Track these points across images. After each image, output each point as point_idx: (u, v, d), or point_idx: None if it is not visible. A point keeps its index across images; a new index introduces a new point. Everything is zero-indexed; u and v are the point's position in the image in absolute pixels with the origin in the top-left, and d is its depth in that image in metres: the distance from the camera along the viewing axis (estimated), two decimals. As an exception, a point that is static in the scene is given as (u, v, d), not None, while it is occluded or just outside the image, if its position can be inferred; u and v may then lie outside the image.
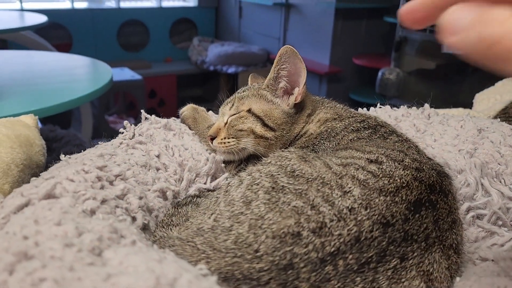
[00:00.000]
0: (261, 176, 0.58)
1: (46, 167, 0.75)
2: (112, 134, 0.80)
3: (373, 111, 0.97)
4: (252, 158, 0.79)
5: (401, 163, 0.57)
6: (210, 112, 0.95)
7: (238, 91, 0.85)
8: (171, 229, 0.60)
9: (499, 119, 0.91)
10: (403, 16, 0.42)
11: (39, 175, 0.57)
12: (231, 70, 3.94)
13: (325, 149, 0.72)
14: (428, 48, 2.97)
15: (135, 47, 4.44)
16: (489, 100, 1.41)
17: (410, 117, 0.93)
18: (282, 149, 0.66)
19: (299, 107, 0.79)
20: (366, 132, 0.73)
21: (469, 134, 0.82)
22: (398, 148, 0.66)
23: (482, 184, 0.69)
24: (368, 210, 0.50)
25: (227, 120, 0.79)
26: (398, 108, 0.98)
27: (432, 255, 0.51)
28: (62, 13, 3.98)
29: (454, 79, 2.97)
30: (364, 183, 0.53)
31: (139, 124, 0.83)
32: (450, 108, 1.16)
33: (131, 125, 0.81)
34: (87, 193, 0.51)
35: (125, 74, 3.42)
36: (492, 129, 0.82)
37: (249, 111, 0.78)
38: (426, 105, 0.96)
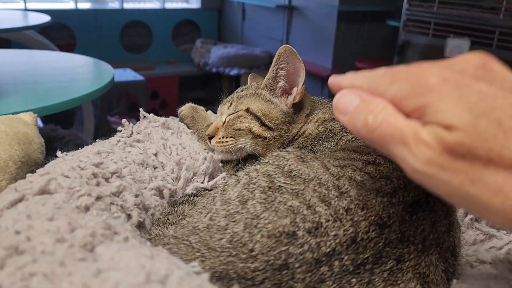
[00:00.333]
0: (258, 175, 0.58)
1: (45, 165, 0.75)
2: (113, 135, 0.80)
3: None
4: (250, 158, 0.79)
5: None
6: (209, 111, 0.94)
7: (237, 90, 0.84)
8: (167, 227, 0.59)
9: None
10: (330, 84, 0.49)
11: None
12: (234, 72, 3.94)
13: (323, 149, 0.71)
14: (431, 52, 2.96)
15: (138, 48, 4.45)
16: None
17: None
18: (280, 149, 0.65)
19: (297, 107, 0.79)
20: (365, 132, 0.72)
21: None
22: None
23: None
24: (365, 211, 0.49)
25: (225, 119, 0.79)
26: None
27: (429, 257, 0.51)
28: (65, 13, 4.00)
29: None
30: (361, 184, 0.52)
31: (137, 122, 0.83)
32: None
33: (129, 123, 0.81)
34: (82, 189, 0.50)
35: (128, 75, 3.43)
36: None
37: (247, 110, 0.78)
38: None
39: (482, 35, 2.54)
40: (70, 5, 4.16)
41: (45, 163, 0.61)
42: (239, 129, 0.77)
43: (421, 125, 0.37)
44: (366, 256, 0.47)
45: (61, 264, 0.33)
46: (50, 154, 0.91)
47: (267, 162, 0.61)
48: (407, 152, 0.37)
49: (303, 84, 0.77)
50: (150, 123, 0.82)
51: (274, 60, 0.76)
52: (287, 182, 0.54)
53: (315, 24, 3.63)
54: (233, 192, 0.56)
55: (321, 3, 3.49)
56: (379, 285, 0.47)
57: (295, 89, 0.77)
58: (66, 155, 0.64)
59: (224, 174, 0.77)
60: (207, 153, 0.78)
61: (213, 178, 0.76)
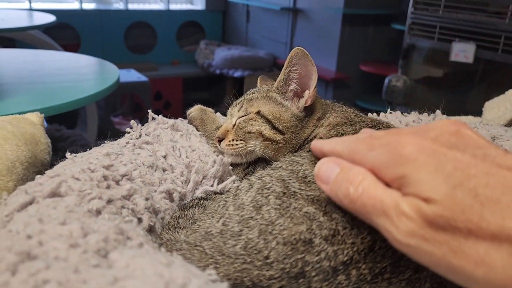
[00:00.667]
0: (271, 180, 0.56)
1: (51, 165, 0.74)
2: (117, 135, 0.79)
3: (383, 117, 0.95)
4: (260, 161, 0.78)
5: None
6: (218, 113, 0.93)
7: (247, 92, 0.83)
8: (177, 231, 0.58)
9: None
10: (313, 148, 0.52)
11: (43, 173, 0.55)
12: (237, 74, 3.93)
13: (335, 154, 0.70)
14: (436, 56, 2.96)
15: (142, 49, 4.45)
16: (499, 108, 1.38)
17: (421, 124, 0.91)
18: (294, 153, 0.64)
19: (309, 111, 0.78)
20: (378, 137, 0.71)
21: (482, 142, 0.80)
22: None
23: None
24: None
25: (236, 122, 0.78)
26: (409, 114, 0.96)
27: None
28: (70, 13, 4.00)
29: (461, 88, 2.95)
30: None
31: (146, 124, 0.82)
32: (460, 116, 1.14)
33: (138, 125, 0.80)
34: (92, 192, 0.49)
35: (132, 75, 3.43)
36: (506, 137, 0.80)
37: (258, 113, 0.77)
38: (438, 112, 0.94)
39: (488, 39, 2.53)
40: (75, 5, 4.17)
41: (51, 164, 0.60)
42: (249, 132, 0.75)
43: (401, 196, 0.38)
44: (384, 265, 0.46)
45: (75, 271, 0.32)
46: (55, 154, 0.90)
47: (280, 167, 0.60)
48: (389, 224, 0.38)
49: (315, 87, 0.76)
50: (158, 125, 0.80)
51: (286, 62, 0.75)
52: (302, 187, 0.53)
53: (320, 27, 3.62)
54: (247, 197, 0.55)
55: (326, 6, 3.49)
56: (397, 294, 0.45)
57: (306, 92, 0.76)
58: (75, 156, 0.63)
59: (233, 177, 0.76)
60: (217, 156, 0.77)
61: (223, 181, 0.75)
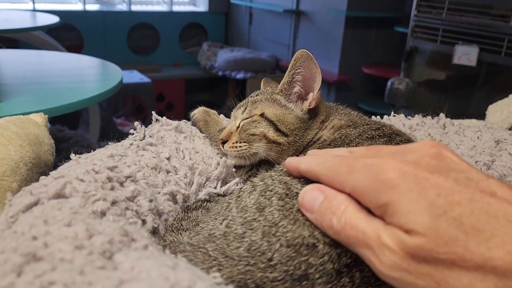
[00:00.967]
0: (274, 182, 0.56)
1: (54, 166, 0.74)
2: (119, 136, 0.79)
3: (387, 119, 0.95)
4: (264, 164, 0.78)
5: None
6: (222, 115, 0.93)
7: (251, 95, 0.83)
8: (181, 233, 0.58)
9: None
10: (287, 166, 0.52)
11: (47, 174, 0.55)
12: (240, 75, 3.94)
13: (338, 156, 0.70)
14: (438, 59, 2.95)
15: (145, 50, 4.46)
16: (502, 112, 1.38)
17: (425, 127, 0.91)
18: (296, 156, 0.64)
19: (312, 113, 0.78)
20: (381, 140, 0.71)
21: (486, 146, 0.80)
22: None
23: (500, 197, 0.67)
24: None
25: (239, 124, 0.78)
26: (412, 117, 0.96)
27: None
28: (73, 14, 4.02)
29: (464, 90, 2.94)
30: None
31: (149, 125, 0.82)
32: (464, 119, 1.14)
33: (141, 126, 0.80)
34: (97, 193, 0.49)
35: (134, 77, 3.43)
36: (511, 140, 0.80)
37: (262, 115, 0.77)
38: (442, 115, 0.94)
39: (491, 42, 2.53)
40: (78, 6, 4.18)
41: (55, 164, 0.60)
42: (253, 134, 0.75)
43: (383, 226, 0.37)
44: (388, 268, 0.46)
45: (81, 273, 0.32)
46: (57, 154, 0.90)
47: (282, 170, 0.59)
48: (373, 256, 0.38)
49: (319, 89, 0.76)
50: (162, 127, 0.80)
51: (290, 65, 0.75)
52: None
53: (323, 29, 3.63)
54: (250, 199, 0.55)
55: (329, 8, 3.49)
56: (401, 297, 0.45)
57: (310, 94, 0.76)
58: (79, 157, 0.63)
59: (237, 179, 0.76)
60: (220, 158, 0.77)
61: (226, 183, 0.75)
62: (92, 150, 0.69)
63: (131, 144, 0.72)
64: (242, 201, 0.56)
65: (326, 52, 3.61)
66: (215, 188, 0.73)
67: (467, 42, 2.64)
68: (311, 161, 0.48)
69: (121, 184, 0.57)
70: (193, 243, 0.52)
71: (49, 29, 2.97)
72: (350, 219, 0.40)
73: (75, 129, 2.62)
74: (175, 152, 0.74)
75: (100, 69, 2.01)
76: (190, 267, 0.38)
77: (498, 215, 0.34)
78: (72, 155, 0.63)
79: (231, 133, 0.78)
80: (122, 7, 4.41)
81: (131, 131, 0.79)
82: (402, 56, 3.06)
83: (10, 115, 0.88)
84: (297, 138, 0.76)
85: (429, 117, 0.95)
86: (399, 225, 0.36)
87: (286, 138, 0.75)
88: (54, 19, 2.68)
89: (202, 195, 0.71)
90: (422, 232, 0.34)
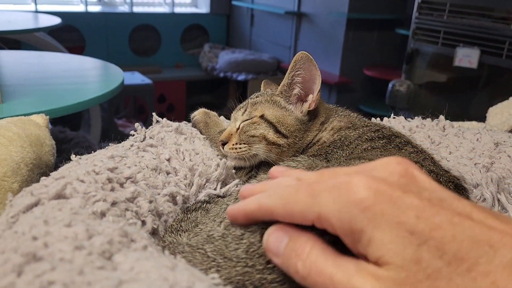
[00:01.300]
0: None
1: (55, 167, 0.74)
2: (120, 137, 0.79)
3: (386, 121, 0.96)
4: (263, 165, 0.78)
5: None
6: (222, 117, 0.94)
7: (251, 96, 0.84)
8: (180, 234, 0.58)
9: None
10: (230, 216, 0.47)
11: (48, 175, 0.56)
12: (241, 77, 3.95)
13: (338, 158, 0.71)
14: (440, 61, 2.95)
15: (146, 52, 4.47)
16: (502, 114, 1.38)
17: (424, 129, 0.92)
18: (292, 158, 0.64)
19: (312, 115, 0.78)
20: (381, 142, 0.71)
21: (485, 148, 0.80)
22: (414, 159, 0.64)
23: (498, 200, 0.67)
24: None
25: (239, 126, 0.78)
26: (412, 119, 0.96)
27: None
28: (75, 16, 4.03)
29: (465, 93, 2.94)
30: None
31: (150, 127, 0.82)
32: (464, 121, 1.14)
33: (142, 127, 0.80)
34: (97, 194, 0.50)
35: (136, 78, 3.44)
36: (510, 143, 0.80)
37: (262, 117, 0.77)
38: (441, 117, 0.94)
39: (492, 44, 2.53)
40: (80, 8, 4.20)
41: (56, 165, 0.60)
42: (253, 136, 0.76)
43: (354, 267, 0.33)
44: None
45: (80, 273, 0.32)
46: (58, 155, 0.91)
47: None
48: None
49: (318, 91, 0.76)
50: (163, 128, 0.81)
51: (290, 66, 0.76)
52: None
53: (324, 31, 3.63)
54: (248, 201, 0.55)
55: (330, 10, 3.49)
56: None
57: (310, 96, 0.77)
58: (80, 158, 0.63)
59: (237, 181, 0.76)
60: (220, 159, 0.77)
61: (226, 185, 0.75)
62: (93, 151, 0.69)
63: (132, 145, 0.73)
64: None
65: (327, 54, 3.61)
66: (215, 189, 0.73)
67: (468, 44, 2.64)
68: (259, 198, 0.42)
69: (121, 185, 0.57)
70: (192, 244, 0.52)
71: (51, 31, 2.99)
72: (315, 262, 0.35)
73: (76, 130, 2.63)
74: (175, 153, 0.75)
75: (102, 70, 2.02)
76: (189, 268, 0.39)
77: (479, 239, 0.31)
78: (73, 156, 0.63)
79: (231, 134, 0.78)
80: (124, 8, 4.43)
81: (132, 132, 0.79)
82: (403, 58, 3.06)
83: (12, 116, 0.89)
84: (297, 139, 0.76)
85: (428, 119, 0.95)
86: (375, 258, 0.32)
87: (286, 139, 0.75)
88: (56, 20, 2.69)
89: (201, 196, 0.71)
90: (401, 265, 0.31)
